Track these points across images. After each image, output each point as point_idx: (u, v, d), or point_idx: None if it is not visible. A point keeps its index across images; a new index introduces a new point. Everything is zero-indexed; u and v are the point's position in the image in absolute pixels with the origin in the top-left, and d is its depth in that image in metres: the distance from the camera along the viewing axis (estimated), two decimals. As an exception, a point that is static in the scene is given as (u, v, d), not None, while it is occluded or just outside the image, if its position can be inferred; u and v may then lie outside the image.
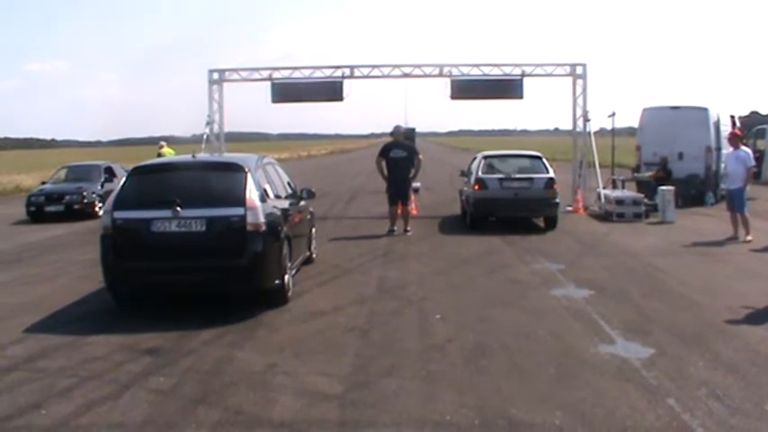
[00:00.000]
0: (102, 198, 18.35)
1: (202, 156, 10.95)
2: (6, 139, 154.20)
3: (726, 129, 19.39)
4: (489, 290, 9.17)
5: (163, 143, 23.84)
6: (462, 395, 5.35)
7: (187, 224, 7.74)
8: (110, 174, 20.63)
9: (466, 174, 16.51)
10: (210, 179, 8.32)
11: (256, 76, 19.89)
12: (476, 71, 19.29)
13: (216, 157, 11.36)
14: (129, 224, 7.90)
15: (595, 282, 9.38)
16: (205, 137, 19.66)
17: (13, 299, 9.16)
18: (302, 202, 10.45)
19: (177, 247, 7.77)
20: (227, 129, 20.68)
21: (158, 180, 8.44)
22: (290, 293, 8.55)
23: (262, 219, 7.85)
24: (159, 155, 20.82)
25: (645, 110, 20.47)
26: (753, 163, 13.70)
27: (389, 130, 14.83)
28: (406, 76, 19.54)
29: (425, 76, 19.44)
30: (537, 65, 19.35)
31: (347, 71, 19.30)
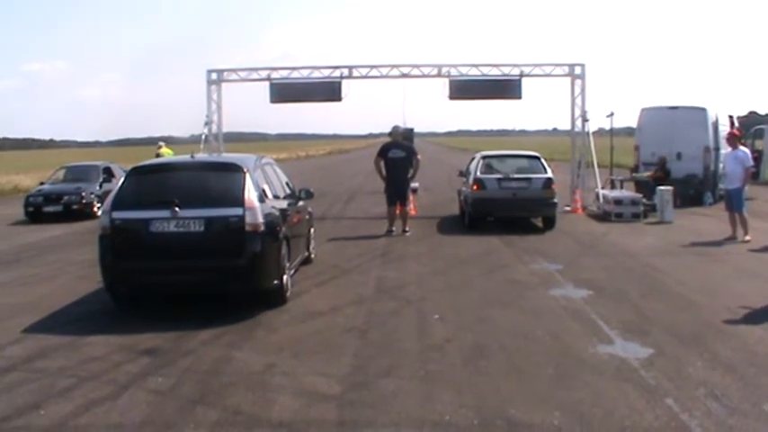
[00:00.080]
0: (101, 198, 18.33)
1: (201, 156, 10.95)
2: (5, 139, 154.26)
3: (724, 129, 19.41)
4: (488, 290, 9.17)
5: (161, 143, 23.85)
6: (461, 395, 5.35)
7: (186, 224, 7.74)
8: (108, 174, 20.62)
9: (464, 174, 16.52)
10: (209, 179, 8.32)
11: (255, 76, 19.90)
12: (474, 71, 19.30)
13: (214, 158, 11.36)
14: (127, 224, 7.90)
15: (594, 282, 9.38)
16: (204, 137, 19.66)
17: (12, 299, 9.15)
18: (301, 203, 10.45)
19: (176, 248, 7.77)
20: (225, 129, 20.70)
21: (157, 180, 8.44)
22: (288, 294, 8.54)
23: (260, 219, 7.85)
24: (158, 155, 20.82)
25: (643, 110, 20.48)
26: (751, 163, 13.69)
27: (388, 130, 14.82)
28: (404, 76, 19.55)
29: (424, 76, 19.45)
30: (535, 65, 19.38)
31: (345, 71, 19.31)
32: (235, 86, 20.45)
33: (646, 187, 17.94)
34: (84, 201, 19.09)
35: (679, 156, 18.99)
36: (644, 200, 16.66)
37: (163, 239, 7.77)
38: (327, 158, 74.73)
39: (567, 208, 17.82)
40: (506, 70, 19.25)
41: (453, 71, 19.25)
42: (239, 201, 7.83)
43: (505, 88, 19.36)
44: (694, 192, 18.87)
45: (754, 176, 17.80)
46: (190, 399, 5.42)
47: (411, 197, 15.94)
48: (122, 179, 8.57)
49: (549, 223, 14.89)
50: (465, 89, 19.35)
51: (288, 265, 8.64)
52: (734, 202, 13.09)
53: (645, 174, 18.87)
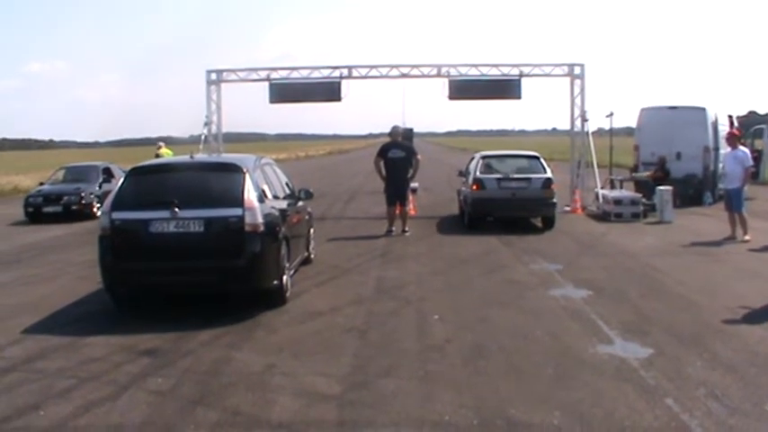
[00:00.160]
0: (100, 199, 18.32)
1: (200, 156, 10.96)
2: (4, 139, 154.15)
3: (724, 129, 19.42)
4: (487, 290, 9.17)
5: (161, 144, 23.85)
6: (461, 395, 5.35)
7: (185, 225, 7.74)
8: (108, 174, 20.62)
9: (464, 174, 16.53)
10: (209, 180, 8.32)
11: (254, 76, 19.89)
12: (474, 71, 19.30)
13: (214, 158, 11.37)
14: (127, 225, 7.90)
15: (593, 282, 9.38)
16: (203, 137, 19.66)
17: (12, 300, 9.15)
18: (300, 203, 10.45)
19: (175, 248, 7.77)
20: (225, 129, 20.69)
21: (156, 181, 8.43)
22: (288, 294, 8.54)
23: (260, 219, 7.85)
24: (157, 155, 20.82)
25: (643, 110, 20.49)
26: (751, 163, 13.70)
27: (387, 130, 14.82)
28: (404, 76, 19.55)
29: (423, 76, 19.45)
30: (535, 65, 19.38)
31: (345, 71, 19.31)
32: (234, 87, 20.46)
33: (645, 187, 17.94)
34: (83, 201, 19.09)
35: (678, 156, 18.99)
36: (643, 200, 16.66)
37: (162, 240, 7.77)
38: (327, 159, 74.73)
39: (567, 208, 17.82)
40: (506, 70, 19.25)
41: (453, 71, 19.25)
42: (239, 201, 7.83)
43: (505, 88, 19.36)
44: (694, 192, 18.88)
45: (753, 176, 17.81)
46: (190, 399, 5.42)
47: (411, 197, 15.94)
48: (122, 180, 8.57)
49: (549, 223, 14.89)
50: (464, 89, 19.36)
51: (287, 265, 8.64)
52: (733, 201, 13.09)
53: (644, 174, 18.87)
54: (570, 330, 7.15)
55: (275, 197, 8.96)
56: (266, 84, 19.39)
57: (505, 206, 14.70)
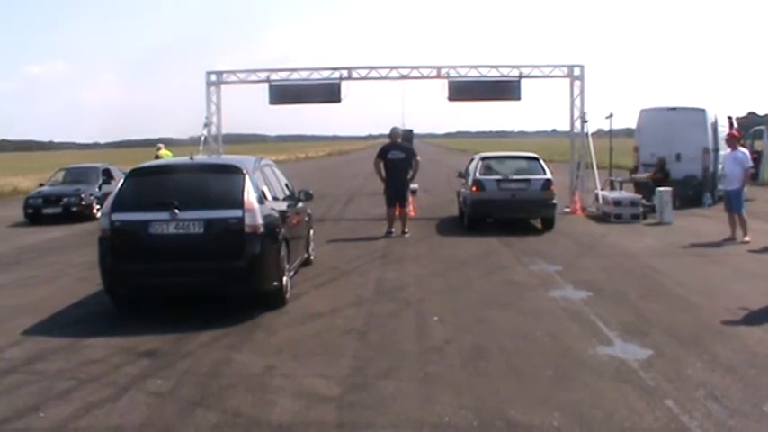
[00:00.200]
0: (100, 200, 18.33)
1: (200, 158, 10.96)
2: (4, 141, 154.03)
3: (723, 130, 19.42)
4: (487, 291, 9.18)
5: (161, 145, 23.87)
6: (460, 397, 5.35)
7: (185, 226, 7.74)
8: (107, 176, 20.62)
9: (463, 175, 16.53)
10: (208, 181, 8.33)
11: (254, 77, 19.90)
12: (473, 73, 19.30)
13: (214, 159, 11.36)
14: (126, 226, 7.90)
15: (593, 283, 9.39)
16: (203, 139, 19.66)
17: (12, 301, 9.15)
18: (300, 204, 10.45)
19: (175, 250, 7.77)
20: (224, 130, 20.70)
21: (156, 182, 8.43)
22: (287, 295, 8.54)
23: (260, 221, 7.85)
24: (157, 157, 20.83)
25: (642, 111, 20.50)
26: (750, 164, 13.70)
27: (387, 131, 14.83)
28: (403, 77, 19.55)
29: (423, 77, 19.45)
30: (534, 66, 19.38)
31: (345, 73, 19.33)
32: (234, 88, 20.47)
33: (645, 188, 17.94)
34: (83, 202, 19.09)
35: (678, 157, 18.99)
36: (643, 201, 16.67)
37: (162, 241, 7.77)
38: (327, 160, 74.74)
39: (567, 209, 17.82)
40: (505, 71, 19.26)
41: (452, 72, 19.25)
42: (238, 202, 7.83)
43: (504, 89, 19.37)
44: (693, 193, 18.88)
45: (753, 177, 17.80)
46: (189, 401, 5.42)
47: (410, 198, 15.94)
48: (122, 181, 8.57)
49: (548, 224, 14.90)
50: (464, 90, 19.36)
51: (287, 266, 8.64)
52: (733, 203, 13.09)
53: (644, 175, 18.87)
54: (570, 331, 7.15)
55: (275, 198, 8.96)
56: (266, 85, 19.40)
57: (505, 207, 14.70)
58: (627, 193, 17.79)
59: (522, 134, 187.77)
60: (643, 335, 6.92)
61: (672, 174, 18.19)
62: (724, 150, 16.38)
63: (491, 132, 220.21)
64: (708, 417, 4.86)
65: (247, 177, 8.08)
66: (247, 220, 7.77)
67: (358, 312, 8.13)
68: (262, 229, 7.86)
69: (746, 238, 12.69)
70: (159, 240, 7.77)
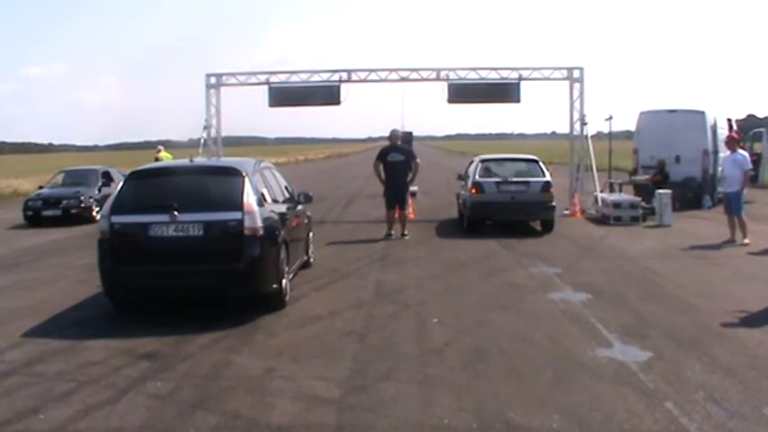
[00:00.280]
0: (100, 202, 18.35)
1: (200, 160, 10.97)
2: (4, 143, 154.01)
3: (723, 132, 19.45)
4: (486, 293, 9.18)
5: (160, 147, 23.85)
6: (460, 399, 5.35)
7: (185, 228, 7.74)
8: (107, 178, 20.62)
9: (463, 177, 16.53)
10: (208, 183, 8.33)
11: (254, 80, 19.94)
12: (473, 75, 19.34)
13: (213, 162, 11.38)
14: (126, 228, 7.90)
15: (593, 285, 9.39)
16: (202, 141, 19.69)
17: (12, 303, 9.15)
18: (300, 207, 10.45)
19: (175, 252, 7.78)
20: (224, 133, 20.74)
21: (156, 184, 8.44)
22: (287, 298, 8.54)
23: (259, 223, 7.86)
24: (157, 159, 20.83)
25: (642, 113, 20.51)
26: (750, 166, 13.71)
27: (387, 133, 14.84)
28: (403, 80, 19.58)
29: (423, 80, 19.48)
30: (534, 68, 19.40)
31: (345, 75, 19.36)
32: (234, 90, 20.53)
33: (644, 190, 17.96)
34: (82, 205, 19.09)
35: (678, 159, 19.01)
36: (643, 203, 16.68)
37: (162, 244, 7.77)
38: (326, 162, 74.78)
39: (566, 211, 17.83)
40: (505, 74, 19.30)
41: (452, 75, 19.28)
42: (238, 205, 7.83)
43: (504, 92, 19.39)
44: (693, 195, 18.89)
45: (752, 179, 17.82)
46: (189, 403, 5.42)
47: (410, 201, 15.95)
48: (121, 183, 8.57)
49: (548, 227, 14.90)
50: (464, 93, 19.39)
51: (287, 269, 8.65)
52: (733, 205, 13.10)
53: (643, 177, 18.89)
54: (569, 334, 7.15)
55: (274, 201, 8.96)
56: (266, 87, 19.44)
57: (504, 209, 14.70)
58: (626, 196, 17.82)
59: (522, 136, 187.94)
60: (642, 337, 6.92)
61: (671, 176, 18.21)
62: (723, 153, 16.39)
63: (491, 134, 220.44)
64: (707, 419, 4.86)
65: (247, 180, 8.08)
66: (247, 223, 7.77)
67: (357, 315, 8.13)
68: (261, 232, 7.86)
69: (746, 241, 12.70)
70: (159, 243, 7.77)
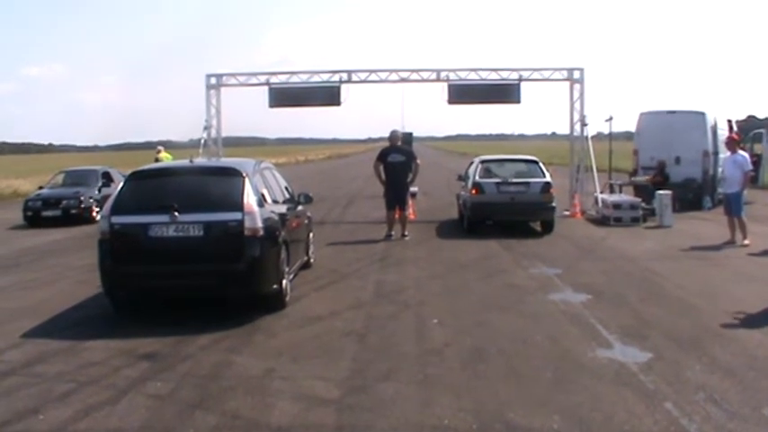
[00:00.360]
0: (100, 203, 18.35)
1: (200, 160, 10.98)
2: (4, 143, 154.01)
3: (723, 133, 19.46)
4: (486, 294, 9.17)
5: (160, 148, 23.83)
6: (460, 399, 5.35)
7: (185, 229, 7.74)
8: (107, 178, 20.62)
9: (463, 178, 16.54)
10: (208, 184, 8.33)
11: (254, 80, 19.94)
12: (473, 76, 19.33)
13: (213, 162, 11.38)
14: (126, 229, 7.90)
15: (593, 286, 9.39)
16: (203, 141, 19.69)
17: (11, 303, 9.15)
18: (300, 207, 10.45)
19: (175, 252, 7.78)
20: (224, 133, 20.74)
21: (156, 185, 8.44)
22: (287, 298, 8.54)
23: (259, 223, 7.86)
24: (157, 159, 20.83)
25: (642, 114, 20.52)
26: (750, 167, 13.72)
27: (387, 134, 14.85)
28: (403, 80, 19.58)
29: (423, 80, 19.48)
30: (534, 69, 19.40)
31: (345, 76, 19.37)
32: (234, 91, 20.52)
33: (645, 191, 17.95)
34: (82, 205, 19.10)
35: (678, 160, 19.01)
36: (643, 204, 16.68)
37: (162, 244, 7.77)
38: (326, 163, 74.79)
39: (566, 212, 17.83)
40: (505, 74, 19.30)
41: (452, 75, 19.28)
42: (238, 205, 7.83)
43: (504, 92, 19.40)
44: (693, 196, 18.90)
45: (752, 180, 17.82)
46: (189, 403, 5.42)
47: (410, 201, 15.95)
48: (121, 184, 8.57)
49: (548, 227, 14.90)
50: (464, 93, 19.40)
51: (287, 269, 8.65)
52: (733, 206, 13.10)
53: (644, 178, 18.89)
54: (569, 334, 7.15)
55: (275, 201, 8.96)
56: (266, 88, 19.44)
57: (504, 210, 14.71)
58: (626, 197, 17.83)
59: (522, 137, 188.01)
60: (643, 338, 6.91)
61: (671, 177, 18.21)
62: (724, 153, 16.39)
63: (491, 135, 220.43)
64: (707, 420, 4.86)
65: (247, 180, 8.08)
66: (247, 223, 7.77)
67: (357, 315, 8.13)
68: (261, 232, 7.86)
69: (746, 242, 12.70)
70: (159, 243, 7.77)
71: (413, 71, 19.54)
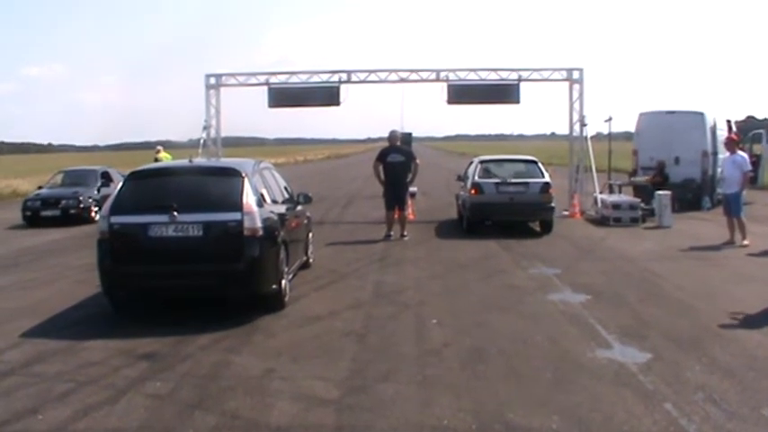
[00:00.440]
0: (99, 203, 18.34)
1: (199, 160, 10.97)
2: (3, 143, 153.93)
3: (722, 133, 19.47)
4: (486, 294, 9.17)
5: (159, 148, 23.85)
6: (459, 399, 5.35)
7: (184, 229, 7.74)
8: (106, 178, 20.60)
9: (462, 178, 16.54)
10: (207, 184, 8.33)
11: (253, 80, 19.94)
12: (472, 76, 19.34)
13: (213, 162, 11.38)
14: (126, 229, 7.89)
15: (592, 286, 9.39)
16: (202, 141, 19.69)
17: (10, 303, 9.14)
18: (299, 207, 10.45)
19: (174, 252, 7.77)
20: (223, 133, 20.73)
21: (155, 185, 8.44)
22: (286, 298, 8.54)
23: (259, 223, 7.85)
24: (156, 159, 20.83)
25: (641, 114, 20.53)
26: (749, 167, 13.72)
27: (386, 134, 14.84)
28: (402, 80, 19.59)
29: (422, 80, 19.49)
30: (534, 69, 19.41)
31: (344, 76, 19.37)
32: (233, 91, 20.52)
33: (644, 192, 17.96)
34: (81, 205, 19.08)
35: (677, 160, 19.02)
36: (642, 204, 16.68)
37: (161, 244, 7.77)
38: (326, 163, 74.78)
39: (566, 212, 17.83)
40: (504, 75, 19.31)
41: (451, 76, 19.29)
42: (238, 205, 7.83)
43: (504, 93, 19.41)
44: (692, 196, 18.91)
45: (752, 181, 17.82)
46: (188, 403, 5.41)
47: (409, 201, 15.96)
48: (121, 184, 8.57)
49: (547, 227, 14.90)
50: (463, 94, 19.40)
51: (286, 269, 8.64)
52: (732, 206, 13.10)
53: (643, 178, 18.90)
54: (569, 335, 7.15)
55: (274, 201, 8.96)
56: (265, 88, 19.44)
57: (504, 210, 14.72)
58: (626, 197, 17.84)
59: (521, 137, 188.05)
60: (642, 338, 6.92)
61: (671, 177, 18.22)
62: (723, 154, 16.40)
63: (490, 135, 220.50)
64: (706, 420, 4.86)
65: (246, 180, 8.08)
66: (246, 223, 7.77)
67: (357, 315, 8.13)
68: (261, 232, 7.86)
69: (745, 242, 12.71)
70: (158, 243, 7.77)
71: (412, 71, 19.54)
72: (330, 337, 7.21)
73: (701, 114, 19.51)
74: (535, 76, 19.30)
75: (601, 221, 16.52)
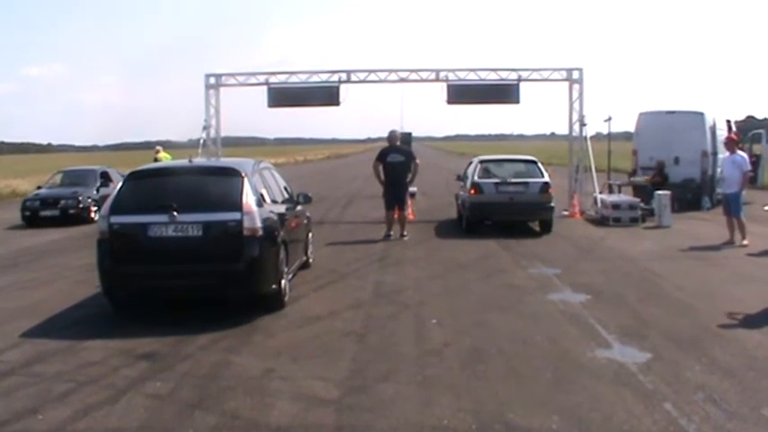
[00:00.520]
0: (98, 203, 18.33)
1: (199, 160, 10.97)
2: (2, 143, 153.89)
3: (722, 133, 19.48)
4: (486, 294, 9.17)
5: (159, 148, 23.84)
6: (459, 399, 5.35)
7: (184, 229, 7.74)
8: (105, 178, 20.59)
9: (462, 178, 16.54)
10: (207, 184, 8.33)
11: (253, 80, 19.94)
12: (472, 76, 19.33)
13: (212, 162, 11.38)
14: (125, 229, 7.89)
15: (592, 286, 9.39)
16: (202, 141, 19.68)
17: (10, 303, 9.14)
18: (299, 207, 10.45)
19: (174, 252, 7.77)
20: (223, 133, 20.73)
21: (155, 185, 8.44)
22: (286, 298, 8.54)
23: (258, 223, 7.85)
24: (156, 159, 20.82)
25: (641, 114, 20.53)
26: (749, 167, 13.72)
27: (386, 134, 14.84)
28: (402, 80, 19.58)
29: (422, 80, 19.48)
30: (533, 69, 19.40)
31: (344, 76, 19.36)
32: (233, 91, 20.52)
33: (644, 192, 17.97)
34: (81, 205, 19.08)
35: (677, 160, 19.03)
36: (642, 204, 16.68)
37: (161, 244, 7.77)
38: (326, 163, 74.78)
39: (565, 212, 17.84)
40: (504, 75, 19.30)
41: (451, 75, 19.28)
42: (237, 205, 7.83)
43: (503, 93, 19.41)
44: (692, 196, 18.91)
45: (751, 181, 17.84)
46: (188, 403, 5.41)
47: (409, 201, 15.96)
48: (120, 184, 8.56)
49: (546, 227, 14.91)
50: (463, 94, 19.40)
51: (286, 269, 8.64)
52: (732, 206, 13.11)
53: (643, 178, 18.90)
54: (568, 335, 7.15)
55: (274, 201, 8.96)
56: (265, 88, 19.43)
57: (503, 210, 14.72)
58: (625, 197, 17.84)
59: (521, 137, 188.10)
60: (642, 338, 6.92)
61: (670, 177, 18.23)
62: (722, 154, 16.40)
63: (490, 135, 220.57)
64: (706, 420, 4.86)
65: (246, 180, 8.08)
66: (246, 223, 7.76)
67: (357, 315, 8.12)
68: (260, 232, 7.86)
69: (745, 242, 12.71)
70: (158, 243, 7.77)
71: (412, 71, 19.54)
72: (330, 337, 7.21)
73: (701, 114, 19.52)
74: (535, 76, 19.30)
75: (600, 221, 16.53)
